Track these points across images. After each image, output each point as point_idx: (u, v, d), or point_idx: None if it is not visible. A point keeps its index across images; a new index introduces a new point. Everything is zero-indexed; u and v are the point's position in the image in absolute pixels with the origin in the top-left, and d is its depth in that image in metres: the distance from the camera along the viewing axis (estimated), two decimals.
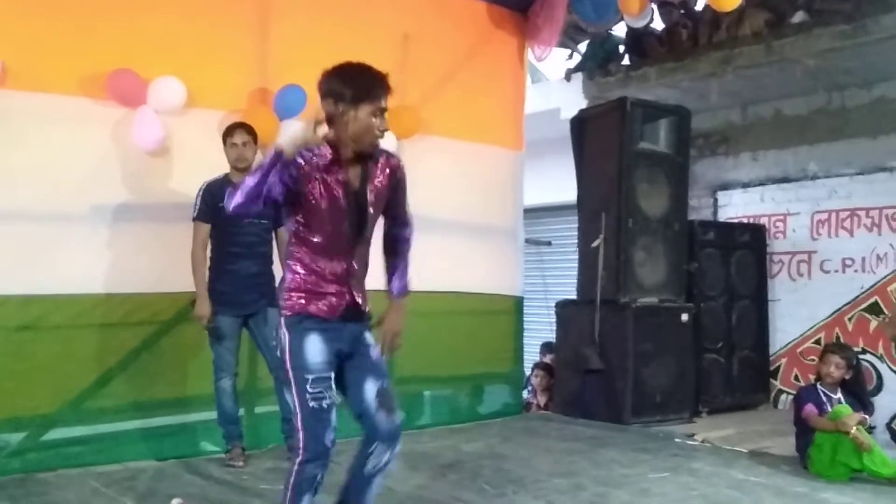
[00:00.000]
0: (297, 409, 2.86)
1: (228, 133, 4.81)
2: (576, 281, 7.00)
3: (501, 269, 6.81)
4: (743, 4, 6.23)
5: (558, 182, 7.68)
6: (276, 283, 4.85)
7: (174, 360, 5.09)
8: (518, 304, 7.06)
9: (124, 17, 4.93)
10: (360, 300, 2.99)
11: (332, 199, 2.89)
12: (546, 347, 8.19)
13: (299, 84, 5.39)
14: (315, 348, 2.87)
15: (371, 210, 2.97)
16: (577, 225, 7.10)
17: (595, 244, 6.57)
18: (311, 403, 2.83)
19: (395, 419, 2.95)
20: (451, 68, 6.23)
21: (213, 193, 4.70)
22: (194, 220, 4.71)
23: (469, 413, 6.51)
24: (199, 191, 4.73)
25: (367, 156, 2.96)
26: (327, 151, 2.88)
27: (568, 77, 8.70)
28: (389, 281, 3.15)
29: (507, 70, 7.07)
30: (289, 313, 2.91)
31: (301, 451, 2.85)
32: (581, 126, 7.04)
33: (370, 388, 2.93)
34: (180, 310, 4.98)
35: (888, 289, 7.04)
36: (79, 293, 4.76)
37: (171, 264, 4.85)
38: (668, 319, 6.56)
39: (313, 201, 2.87)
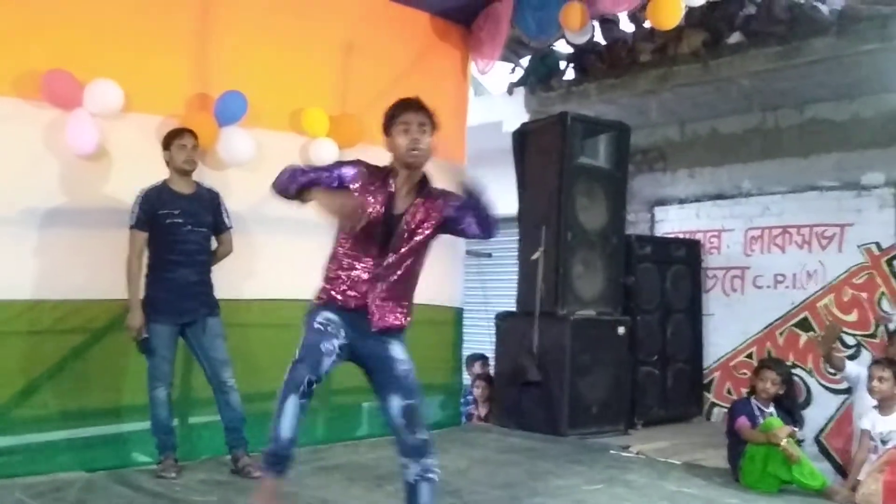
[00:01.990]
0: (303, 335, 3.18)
1: (176, 135, 4.72)
2: (515, 293, 7.04)
3: (441, 281, 6.78)
4: (682, 24, 6.36)
5: (499, 195, 7.66)
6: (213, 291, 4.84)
7: (106, 368, 4.95)
8: (458, 315, 7.07)
9: (61, 17, 4.81)
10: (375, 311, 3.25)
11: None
12: (474, 359, 8.15)
13: (240, 90, 5.34)
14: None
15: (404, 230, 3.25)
16: (517, 237, 7.14)
17: (535, 257, 6.61)
18: (314, 326, 3.16)
19: (420, 436, 3.17)
20: (394, 78, 6.22)
21: (152, 201, 4.61)
22: (131, 228, 4.59)
23: None
24: (137, 198, 4.61)
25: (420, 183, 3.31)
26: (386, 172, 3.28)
27: (510, 91, 8.78)
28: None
29: (449, 82, 7.09)
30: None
31: (297, 353, 3.12)
32: (522, 139, 7.09)
33: (396, 405, 3.18)
34: (113, 317, 4.85)
35: (817, 305, 7.23)
36: (5, 299, 4.60)
37: (105, 271, 4.73)
38: (605, 332, 6.63)
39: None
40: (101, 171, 4.97)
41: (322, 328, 3.15)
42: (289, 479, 4.55)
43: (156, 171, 4.73)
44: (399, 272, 3.27)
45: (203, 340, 4.71)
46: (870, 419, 4.92)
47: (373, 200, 3.20)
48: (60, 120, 4.79)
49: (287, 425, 3.06)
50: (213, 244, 4.91)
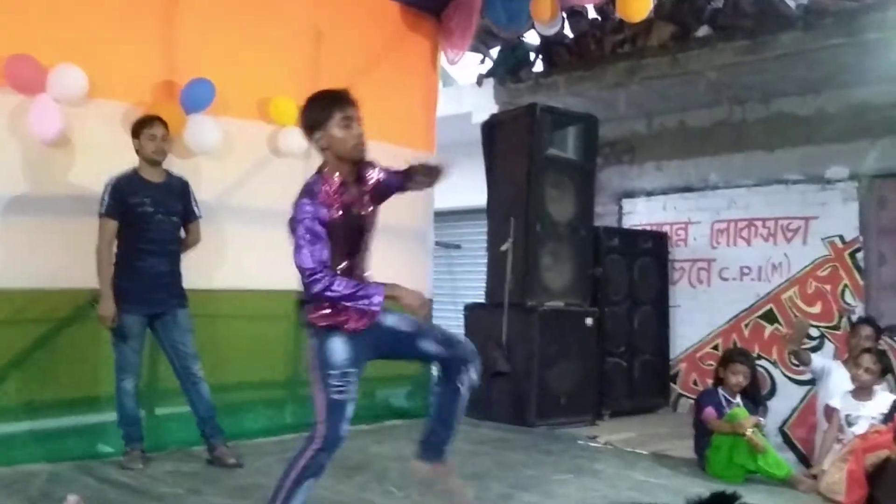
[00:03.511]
0: (322, 402, 3.15)
1: (146, 124, 4.62)
2: (484, 284, 7.05)
3: (411, 272, 6.76)
4: (651, 17, 6.39)
5: (468, 186, 7.71)
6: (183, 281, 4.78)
7: (70, 359, 4.87)
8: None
9: (24, 0, 4.73)
10: None
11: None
12: None
13: (208, 78, 5.28)
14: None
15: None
16: (486, 229, 7.14)
17: (504, 248, 6.62)
18: (334, 396, 3.13)
19: (465, 343, 3.42)
20: (364, 67, 6.19)
21: (122, 189, 4.52)
22: (102, 216, 4.49)
23: (376, 414, 6.47)
24: (107, 186, 4.51)
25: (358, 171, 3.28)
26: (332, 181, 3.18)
27: (480, 82, 8.77)
28: None
29: (419, 72, 7.07)
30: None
31: (319, 440, 3.14)
32: (491, 131, 7.09)
33: (429, 346, 3.36)
34: (78, 307, 4.79)
35: (782, 297, 7.32)
36: None
37: (69, 259, 4.67)
38: (573, 323, 6.65)
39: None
40: (65, 158, 4.89)
41: (343, 387, 3.15)
42: (256, 471, 4.57)
43: (120, 159, 4.64)
44: (366, 256, 3.37)
45: (173, 334, 4.65)
46: (840, 400, 4.98)
47: (336, 212, 3.16)
48: (23, 105, 4.70)
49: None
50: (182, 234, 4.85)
